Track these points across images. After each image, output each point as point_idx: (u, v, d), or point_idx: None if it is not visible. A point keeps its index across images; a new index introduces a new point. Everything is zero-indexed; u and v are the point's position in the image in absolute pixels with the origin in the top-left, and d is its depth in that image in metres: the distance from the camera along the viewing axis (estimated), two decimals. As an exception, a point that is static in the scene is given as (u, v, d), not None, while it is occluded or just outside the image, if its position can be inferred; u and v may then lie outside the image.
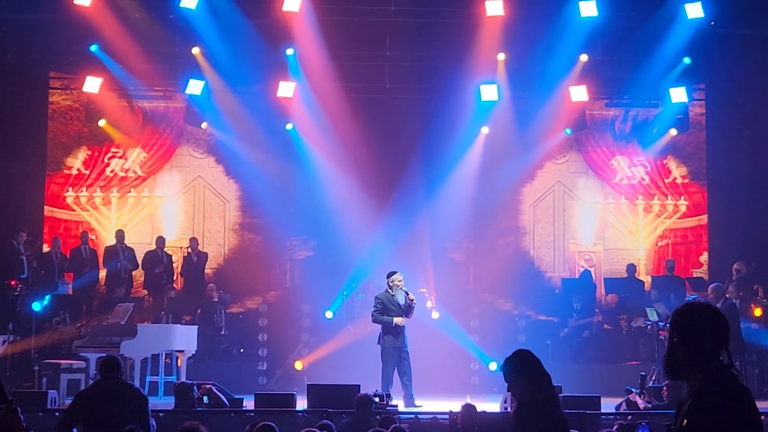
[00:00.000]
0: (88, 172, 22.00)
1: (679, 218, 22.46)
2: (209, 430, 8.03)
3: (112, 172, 22.09)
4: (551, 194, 22.68)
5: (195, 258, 21.17)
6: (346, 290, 20.25)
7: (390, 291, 15.48)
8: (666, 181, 22.46)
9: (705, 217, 22.41)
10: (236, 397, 14.47)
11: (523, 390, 6.71)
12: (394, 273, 15.64)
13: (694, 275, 22.02)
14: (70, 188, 21.93)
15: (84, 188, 21.95)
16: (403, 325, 15.42)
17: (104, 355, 16.32)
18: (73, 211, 21.92)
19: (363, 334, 19.50)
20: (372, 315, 15.49)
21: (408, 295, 15.39)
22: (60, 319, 19.15)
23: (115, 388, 9.51)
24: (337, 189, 21.07)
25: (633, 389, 14.12)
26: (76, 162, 22.02)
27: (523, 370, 6.70)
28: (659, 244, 22.44)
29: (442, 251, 21.40)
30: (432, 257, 20.64)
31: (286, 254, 21.51)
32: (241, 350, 20.36)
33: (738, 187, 21.35)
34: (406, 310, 15.38)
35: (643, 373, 14.98)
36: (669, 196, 22.43)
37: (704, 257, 22.32)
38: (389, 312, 15.35)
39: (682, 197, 22.44)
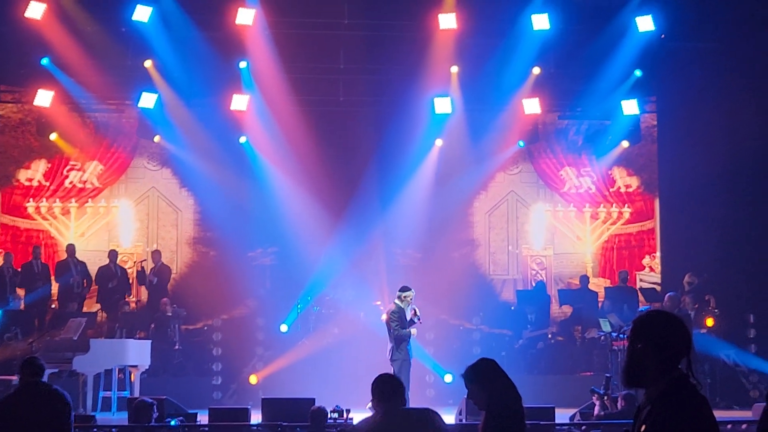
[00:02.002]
0: (48, 184, 22.09)
1: (623, 224, 23.04)
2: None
3: (70, 183, 22.16)
4: (505, 203, 23.01)
5: (155, 279, 21.03)
6: (300, 304, 20.21)
7: (401, 305, 15.53)
8: (611, 190, 22.97)
9: (648, 222, 23.01)
10: (190, 411, 14.36)
11: (480, 398, 6.72)
12: (409, 289, 15.70)
13: (639, 279, 22.49)
14: (32, 199, 22.00)
15: (44, 199, 22.04)
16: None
17: (56, 370, 16.30)
18: (35, 220, 21.98)
19: (318, 347, 19.49)
20: (395, 329, 15.46)
21: (415, 311, 15.55)
22: (11, 335, 18.96)
23: (38, 394, 9.07)
24: (291, 202, 21.03)
25: (597, 390, 14.19)
26: (37, 174, 22.04)
27: (480, 378, 6.71)
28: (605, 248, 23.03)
29: (396, 264, 21.40)
30: (387, 270, 20.63)
31: (240, 268, 21.36)
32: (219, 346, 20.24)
33: (689, 198, 21.55)
34: (409, 324, 15.52)
35: (608, 375, 15.06)
36: (614, 204, 22.96)
37: (647, 260, 22.85)
38: (403, 323, 15.47)
39: (626, 205, 23.07)
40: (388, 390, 6.90)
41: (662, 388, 4.40)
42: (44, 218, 21.99)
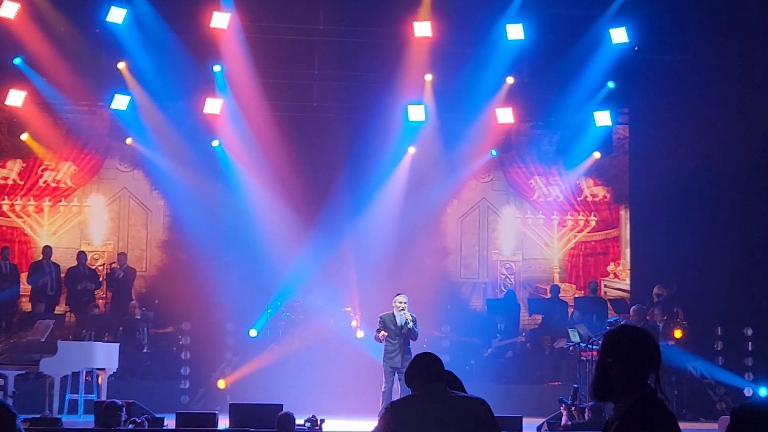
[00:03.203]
0: (22, 183, 22.15)
1: (589, 232, 23.30)
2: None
3: (44, 183, 22.21)
4: (476, 209, 23.15)
5: (122, 274, 21.01)
6: (270, 309, 20.17)
7: (394, 311, 15.33)
8: (578, 199, 23.20)
9: (613, 231, 23.25)
10: (157, 416, 14.30)
11: None
12: (398, 294, 15.45)
13: (604, 285, 22.63)
14: (6, 197, 22.04)
15: (19, 197, 22.10)
16: (400, 346, 15.18)
17: (23, 372, 16.19)
18: (9, 218, 22.03)
19: (287, 352, 19.48)
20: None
21: (405, 315, 15.20)
22: (-23, 336, 18.84)
23: None
24: (262, 207, 21.00)
25: (565, 400, 14.24)
26: (12, 173, 22.09)
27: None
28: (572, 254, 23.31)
29: (367, 271, 21.34)
30: (357, 276, 20.62)
31: (210, 272, 21.28)
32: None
33: (660, 210, 21.67)
34: (407, 332, 15.22)
35: (576, 385, 15.09)
36: (581, 213, 23.17)
37: (611, 267, 23.08)
38: (388, 331, 15.23)
39: (592, 213, 23.30)
40: (429, 369, 6.10)
41: (630, 403, 4.42)
42: (18, 216, 22.05)
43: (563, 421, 13.99)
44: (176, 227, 22.14)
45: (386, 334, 15.20)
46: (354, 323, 20.03)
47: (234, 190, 21.33)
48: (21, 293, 21.12)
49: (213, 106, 20.73)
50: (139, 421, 13.60)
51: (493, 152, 22.19)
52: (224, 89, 20.83)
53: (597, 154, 22.21)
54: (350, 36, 21.04)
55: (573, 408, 14.05)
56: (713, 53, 20.81)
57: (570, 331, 18.28)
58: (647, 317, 18.14)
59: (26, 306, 21.04)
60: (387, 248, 21.49)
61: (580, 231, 23.20)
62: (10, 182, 22.07)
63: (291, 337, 20.00)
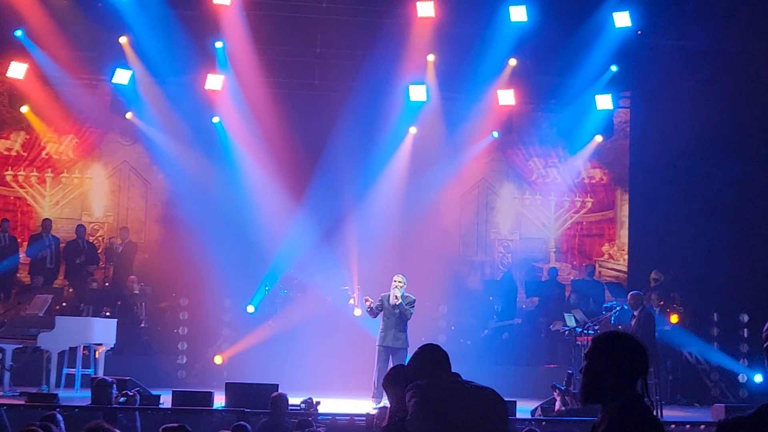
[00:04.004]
0: (26, 154, 22.24)
1: (585, 213, 23.45)
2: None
3: (47, 154, 22.28)
4: (476, 189, 23.31)
5: (121, 248, 21.09)
6: (268, 286, 20.20)
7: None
8: (575, 181, 23.32)
9: (608, 212, 23.44)
10: (153, 393, 14.36)
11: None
12: (397, 274, 15.67)
13: (599, 264, 22.77)
14: (10, 168, 22.17)
15: (22, 168, 22.21)
16: (393, 325, 15.40)
17: (21, 346, 16.26)
18: (12, 188, 22.18)
19: (284, 329, 19.51)
20: None
21: (395, 293, 15.40)
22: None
23: None
24: (262, 184, 20.99)
25: (559, 386, 14.30)
26: (16, 144, 22.18)
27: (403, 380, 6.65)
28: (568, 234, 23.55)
29: (367, 249, 21.34)
30: (357, 255, 20.62)
31: (208, 247, 21.28)
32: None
33: (658, 195, 21.68)
34: (399, 311, 15.38)
35: (570, 371, 15.15)
36: (577, 194, 23.30)
37: (606, 247, 23.32)
38: (384, 310, 15.38)
39: (589, 195, 23.47)
40: (441, 358, 6.17)
41: (618, 406, 4.49)
42: (21, 186, 22.20)
43: (557, 407, 14.05)
44: (175, 202, 22.09)
45: (371, 300, 15.58)
46: (352, 301, 20.05)
47: (234, 167, 21.31)
48: (21, 263, 21.19)
49: (214, 82, 20.69)
50: (131, 394, 13.66)
51: (495, 134, 22.15)
52: (225, 66, 20.78)
53: (599, 138, 22.18)
54: (353, 15, 20.99)
55: (566, 394, 14.11)
56: (716, 39, 20.78)
57: (566, 315, 18.33)
58: (643, 303, 18.17)
59: (25, 279, 21.12)
60: (387, 227, 21.48)
61: (577, 212, 23.37)
62: (13, 153, 22.18)
63: (288, 314, 20.04)
